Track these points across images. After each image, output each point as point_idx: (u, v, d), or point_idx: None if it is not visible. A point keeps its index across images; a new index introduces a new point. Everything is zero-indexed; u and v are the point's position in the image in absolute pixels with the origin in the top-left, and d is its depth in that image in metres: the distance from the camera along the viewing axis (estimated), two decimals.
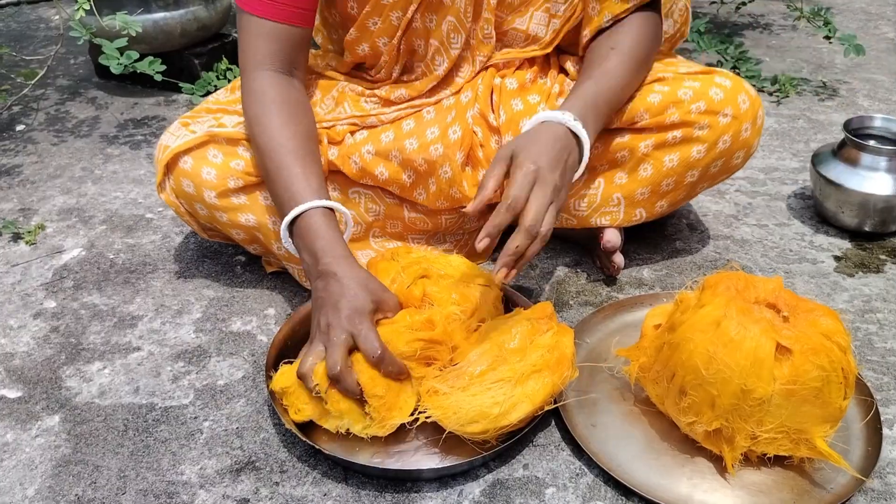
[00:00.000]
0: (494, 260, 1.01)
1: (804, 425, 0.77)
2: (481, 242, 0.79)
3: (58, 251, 1.22)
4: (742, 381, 0.75)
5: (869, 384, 0.90)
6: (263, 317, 1.06)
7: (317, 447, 0.80)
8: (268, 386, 0.86)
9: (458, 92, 1.06)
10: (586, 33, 0.99)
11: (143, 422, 0.89)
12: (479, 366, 0.82)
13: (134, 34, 1.42)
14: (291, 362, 0.84)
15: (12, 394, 0.94)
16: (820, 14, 1.74)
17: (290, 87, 0.97)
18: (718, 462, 0.81)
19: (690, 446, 0.83)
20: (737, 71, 1.74)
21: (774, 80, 1.75)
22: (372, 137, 1.04)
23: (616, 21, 0.98)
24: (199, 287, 1.12)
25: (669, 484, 0.80)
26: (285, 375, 0.84)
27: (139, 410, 0.91)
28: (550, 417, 0.87)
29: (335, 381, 0.79)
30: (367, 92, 1.07)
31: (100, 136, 1.62)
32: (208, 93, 1.72)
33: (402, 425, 0.82)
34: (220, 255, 1.19)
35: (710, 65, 1.12)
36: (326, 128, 1.04)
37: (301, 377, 0.81)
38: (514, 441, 0.81)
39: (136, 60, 1.47)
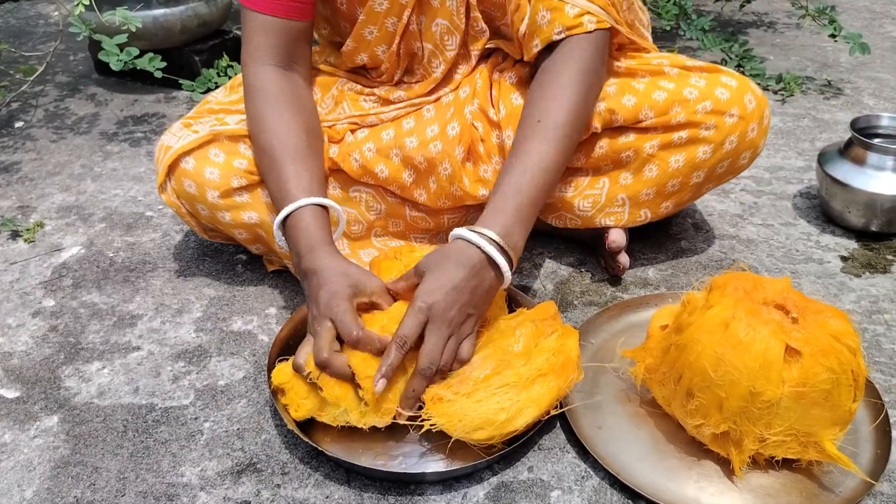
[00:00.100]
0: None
1: (813, 428, 0.76)
2: (378, 384, 0.78)
3: (57, 249, 1.21)
4: (751, 384, 0.74)
5: (878, 386, 0.89)
6: (265, 316, 1.05)
7: (319, 449, 0.79)
8: (269, 386, 0.85)
9: (456, 88, 1.05)
10: (537, 43, 0.92)
11: (142, 422, 0.88)
12: (483, 370, 0.81)
13: (134, 29, 1.41)
14: (289, 359, 0.84)
15: (10, 394, 0.93)
16: (825, 12, 1.73)
17: (289, 82, 0.96)
18: (726, 465, 0.80)
19: (697, 449, 0.82)
20: (741, 69, 1.73)
21: (779, 79, 1.73)
22: (373, 135, 1.03)
23: (569, 38, 0.90)
24: (200, 286, 1.11)
25: (676, 487, 0.79)
26: (283, 371, 0.83)
27: (139, 411, 0.90)
28: (555, 419, 0.86)
29: (323, 367, 0.79)
30: (367, 90, 1.06)
31: (99, 133, 1.61)
32: (209, 90, 1.71)
33: (406, 429, 0.81)
34: (221, 254, 1.18)
35: (713, 63, 1.11)
36: (327, 127, 1.04)
37: (296, 368, 0.81)
38: (518, 444, 0.80)
39: (136, 57, 1.46)
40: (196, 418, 0.89)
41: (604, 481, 0.81)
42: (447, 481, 0.80)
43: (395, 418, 0.80)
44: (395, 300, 0.85)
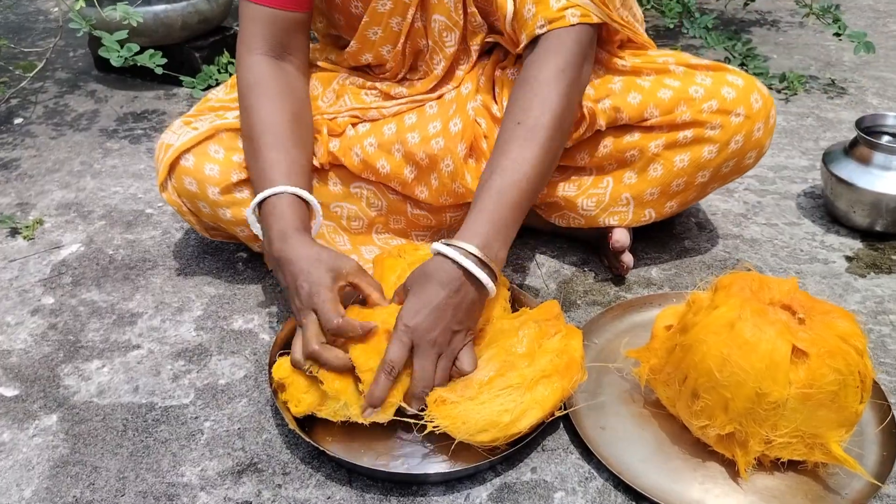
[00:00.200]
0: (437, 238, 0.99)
1: (819, 430, 0.75)
2: (366, 412, 0.78)
3: (56, 246, 1.21)
4: (757, 385, 0.74)
5: (883, 387, 0.88)
6: (266, 315, 1.04)
7: (321, 449, 0.79)
8: (270, 385, 0.85)
9: (458, 85, 1.04)
10: (523, 38, 0.90)
11: (142, 422, 0.88)
12: (486, 372, 0.80)
13: (135, 24, 1.40)
14: (288, 354, 0.83)
15: (9, 392, 0.92)
16: (829, 10, 1.72)
17: (279, 70, 0.95)
18: (731, 466, 0.79)
19: (702, 450, 0.81)
20: (745, 68, 1.72)
21: (783, 78, 1.73)
22: (374, 130, 1.02)
23: (551, 33, 0.88)
24: (200, 284, 1.10)
25: (681, 489, 0.78)
26: (283, 367, 0.83)
27: (139, 410, 0.89)
28: (559, 420, 0.85)
29: (315, 360, 0.79)
30: (368, 84, 1.05)
31: (99, 129, 1.60)
32: (209, 87, 1.70)
33: (409, 427, 0.80)
34: (222, 252, 1.17)
35: (717, 61, 1.10)
36: (328, 119, 1.03)
37: (294, 364, 0.81)
38: (521, 445, 0.80)
39: (136, 53, 1.45)
40: (196, 417, 0.88)
41: (608, 482, 0.80)
42: (450, 482, 0.80)
43: (396, 415, 0.79)
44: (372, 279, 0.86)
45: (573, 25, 0.87)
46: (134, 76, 1.83)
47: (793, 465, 0.79)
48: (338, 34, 1.08)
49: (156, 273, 1.13)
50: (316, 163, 1.01)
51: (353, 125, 1.04)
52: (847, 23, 1.72)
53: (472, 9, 0.99)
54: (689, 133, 0.98)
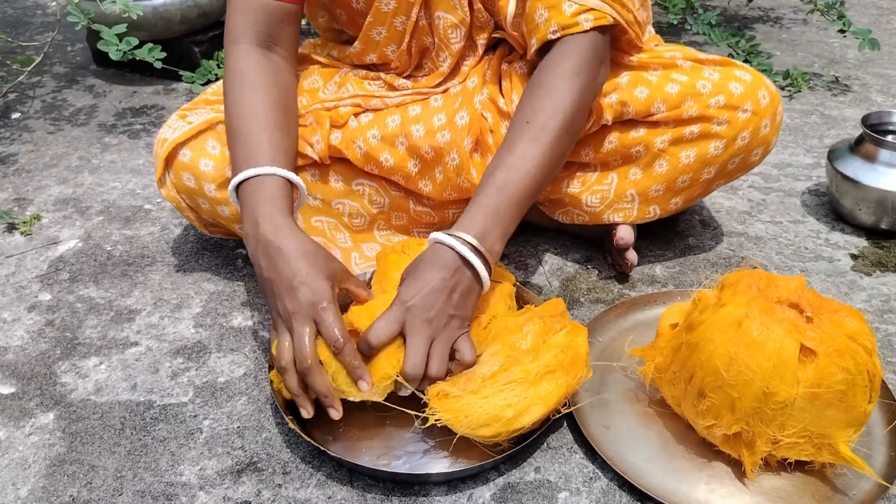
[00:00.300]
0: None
1: (827, 430, 0.74)
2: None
3: (53, 242, 1.19)
4: (764, 384, 0.73)
5: (891, 387, 0.87)
6: (265, 312, 1.03)
7: (321, 448, 0.78)
8: (270, 383, 0.84)
9: (464, 79, 1.03)
10: (534, 42, 0.91)
11: (140, 420, 0.86)
12: (490, 367, 0.79)
13: (135, 17, 1.39)
14: None
15: (5, 389, 0.91)
16: (834, 7, 1.70)
17: (265, 59, 0.93)
18: (737, 466, 0.78)
19: (707, 450, 0.80)
20: (748, 65, 1.71)
21: (786, 75, 1.71)
22: (378, 121, 1.00)
23: (565, 37, 0.88)
24: (199, 280, 1.09)
25: (686, 489, 0.77)
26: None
27: (137, 408, 0.88)
28: (562, 418, 0.84)
29: (304, 377, 0.76)
30: (372, 74, 1.04)
31: (97, 124, 1.59)
32: (208, 81, 1.69)
33: (410, 422, 0.79)
34: (221, 248, 1.16)
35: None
36: (328, 108, 1.01)
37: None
38: (526, 444, 0.79)
39: (135, 47, 1.43)
40: (195, 416, 0.87)
41: (612, 482, 0.79)
42: (452, 482, 0.79)
43: (397, 404, 0.78)
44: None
45: (587, 31, 0.87)
46: (133, 71, 1.81)
47: (800, 466, 0.78)
48: (340, 29, 1.07)
49: (154, 269, 1.12)
50: (315, 156, 0.99)
51: (356, 115, 1.02)
52: (851, 20, 1.71)
53: (479, 5, 0.97)
54: (695, 128, 0.97)
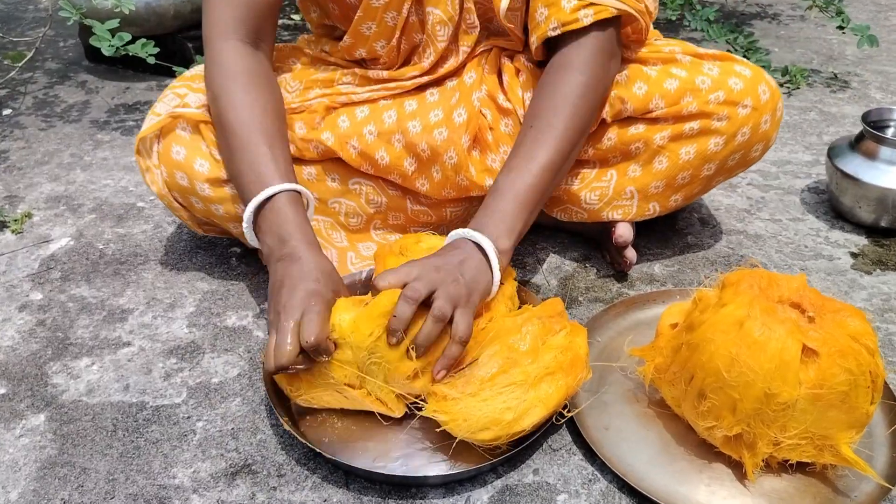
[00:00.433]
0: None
1: (829, 431, 0.74)
2: (392, 337, 0.76)
3: (45, 241, 1.18)
4: (766, 385, 0.72)
5: (892, 387, 0.86)
6: (260, 311, 1.02)
7: (317, 450, 0.76)
8: (265, 384, 0.82)
9: (452, 75, 1.01)
10: (534, 40, 0.91)
11: (133, 421, 0.85)
12: (489, 369, 0.78)
13: (127, 12, 1.37)
14: None
15: None
16: (833, 3, 1.70)
17: (257, 60, 0.93)
18: (738, 468, 0.78)
19: (708, 451, 0.79)
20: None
21: (785, 71, 1.71)
22: (374, 117, 0.99)
23: (566, 34, 0.88)
24: (193, 279, 1.08)
25: (686, 491, 0.76)
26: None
27: (129, 409, 0.87)
28: (559, 418, 0.83)
29: (281, 369, 0.75)
30: (344, 70, 1.03)
31: (90, 121, 1.57)
32: None
33: (408, 423, 0.78)
34: (215, 247, 1.14)
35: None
36: (295, 110, 0.99)
37: (279, 369, 0.77)
38: (524, 446, 0.77)
39: (127, 43, 1.42)
40: (189, 417, 0.86)
41: (612, 484, 0.78)
42: (450, 484, 0.78)
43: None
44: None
45: (588, 27, 0.86)
46: (125, 66, 1.79)
47: (801, 467, 0.77)
48: (332, 24, 1.05)
49: (147, 268, 1.11)
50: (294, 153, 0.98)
51: (332, 108, 1.00)
52: (849, 16, 1.70)
53: (469, 4, 0.96)
54: (695, 125, 0.96)
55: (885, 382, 0.84)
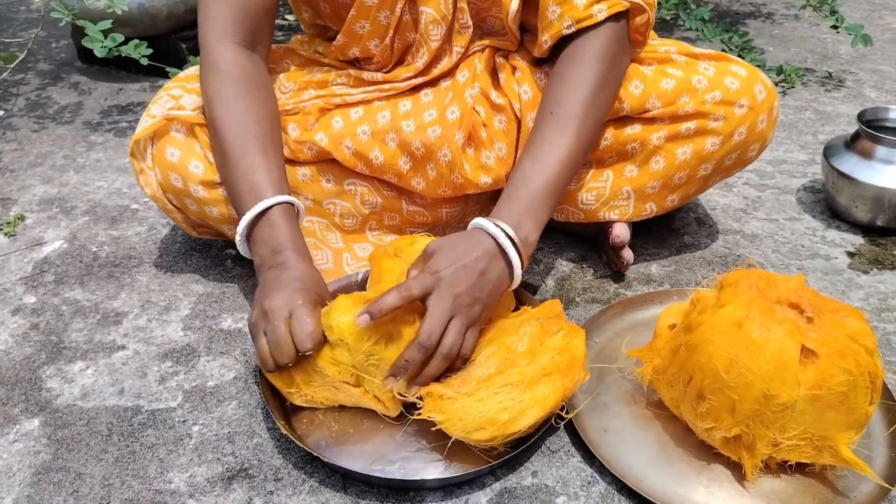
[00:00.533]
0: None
1: (828, 432, 0.74)
2: (361, 317, 0.75)
3: (38, 243, 1.17)
4: (765, 386, 0.72)
5: (891, 387, 0.86)
6: None
7: (314, 454, 0.76)
8: (260, 387, 0.82)
9: (446, 76, 1.00)
10: (546, 39, 0.90)
11: (128, 426, 0.84)
12: (486, 369, 0.77)
13: (119, 13, 1.37)
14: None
15: None
16: (827, 2, 1.70)
17: (253, 64, 0.92)
18: (736, 469, 0.77)
19: (706, 452, 0.79)
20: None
21: (779, 71, 1.71)
22: (368, 117, 0.99)
23: (580, 31, 0.87)
24: (188, 282, 1.07)
25: (685, 492, 0.76)
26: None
27: (124, 413, 0.86)
28: (558, 420, 0.83)
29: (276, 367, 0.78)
30: (339, 72, 1.02)
31: (83, 122, 1.56)
32: None
33: (404, 425, 0.77)
34: (210, 249, 1.14)
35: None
36: (289, 111, 0.99)
37: (275, 368, 0.78)
38: (523, 448, 0.77)
39: (120, 44, 1.41)
40: (184, 421, 0.85)
41: (610, 486, 0.78)
42: (448, 487, 0.77)
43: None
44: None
45: (602, 22, 0.86)
46: (118, 68, 1.78)
47: (800, 468, 0.77)
48: (324, 24, 1.04)
49: (141, 271, 1.10)
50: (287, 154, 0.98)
51: (326, 109, 1.00)
52: (843, 15, 1.70)
53: (462, 4, 0.95)
54: (691, 125, 0.96)
55: (884, 383, 0.84)
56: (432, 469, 0.77)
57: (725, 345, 0.73)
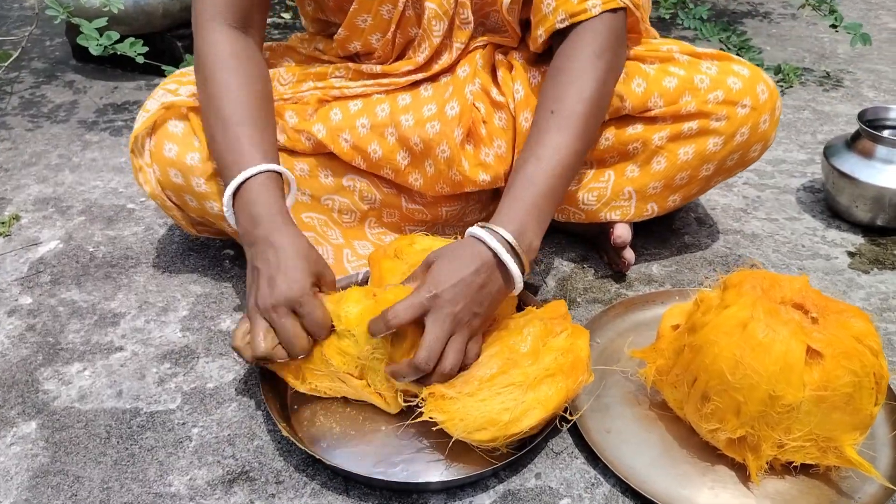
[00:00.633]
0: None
1: (833, 433, 0.73)
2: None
3: (33, 244, 1.16)
4: (770, 387, 0.71)
5: (893, 388, 0.86)
6: None
7: (316, 456, 0.75)
8: (261, 388, 0.81)
9: (446, 72, 1.00)
10: (541, 33, 0.89)
11: (126, 428, 0.83)
12: (488, 369, 0.77)
13: (115, 11, 1.35)
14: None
15: None
16: (826, 1, 1.70)
17: (246, 44, 0.91)
18: (741, 470, 0.77)
19: (710, 453, 0.79)
20: None
21: (778, 70, 1.71)
22: (367, 110, 0.98)
23: (575, 25, 0.86)
24: (186, 282, 1.06)
25: (689, 494, 0.75)
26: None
27: (122, 416, 0.85)
28: (561, 422, 0.82)
29: (268, 358, 0.78)
30: (338, 65, 1.01)
31: (78, 121, 1.54)
32: None
33: (405, 426, 0.77)
34: (208, 249, 1.13)
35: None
36: (287, 99, 0.99)
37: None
38: (527, 450, 0.77)
39: (116, 42, 1.40)
40: (184, 423, 0.84)
41: (615, 488, 0.77)
42: (451, 490, 0.77)
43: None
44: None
45: (596, 16, 0.85)
46: (114, 66, 1.77)
47: (804, 469, 0.77)
48: (326, 19, 1.04)
49: (139, 271, 1.09)
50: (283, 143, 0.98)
51: (324, 101, 0.99)
52: (841, 14, 1.71)
53: None
54: (693, 125, 0.95)
55: (889, 384, 0.84)
56: (435, 471, 0.77)
57: (730, 346, 0.73)
